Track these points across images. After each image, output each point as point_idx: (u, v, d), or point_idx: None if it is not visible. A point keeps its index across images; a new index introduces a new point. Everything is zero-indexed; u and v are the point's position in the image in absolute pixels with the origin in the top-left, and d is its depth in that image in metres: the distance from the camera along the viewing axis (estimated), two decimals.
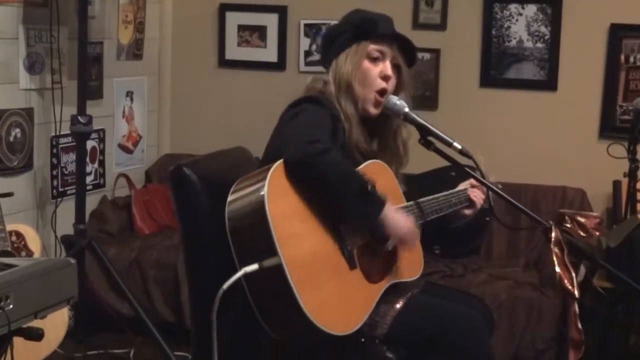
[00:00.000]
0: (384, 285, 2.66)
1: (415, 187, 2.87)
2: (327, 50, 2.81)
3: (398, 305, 2.67)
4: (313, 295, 2.38)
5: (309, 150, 2.42)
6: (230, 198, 2.49)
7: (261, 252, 2.35)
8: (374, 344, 2.60)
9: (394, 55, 2.77)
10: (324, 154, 2.42)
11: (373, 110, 2.76)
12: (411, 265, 2.81)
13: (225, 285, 2.30)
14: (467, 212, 2.97)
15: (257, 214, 2.38)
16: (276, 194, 2.40)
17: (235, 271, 2.35)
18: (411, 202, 2.79)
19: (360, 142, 2.72)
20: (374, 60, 2.74)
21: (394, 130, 2.82)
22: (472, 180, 2.93)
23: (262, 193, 2.39)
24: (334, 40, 2.78)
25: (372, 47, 2.74)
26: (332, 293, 2.47)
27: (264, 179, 2.41)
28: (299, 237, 2.43)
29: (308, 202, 2.47)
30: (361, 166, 2.66)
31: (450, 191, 2.93)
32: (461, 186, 2.98)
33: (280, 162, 2.45)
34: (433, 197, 2.85)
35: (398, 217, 2.57)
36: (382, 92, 2.75)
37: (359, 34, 2.75)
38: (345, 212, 2.51)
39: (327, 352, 2.50)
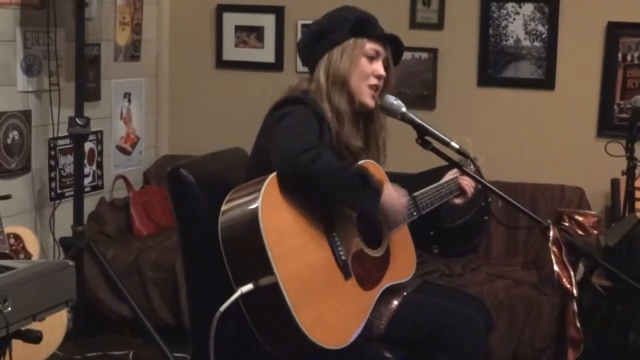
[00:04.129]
0: (378, 290, 2.67)
1: (413, 187, 2.87)
2: (315, 46, 2.76)
3: (394, 305, 2.67)
4: (309, 311, 2.39)
5: (301, 161, 2.40)
6: (224, 208, 2.48)
7: (256, 269, 2.36)
8: (371, 344, 2.60)
9: (386, 56, 2.78)
10: (315, 161, 2.41)
11: (371, 102, 2.76)
12: (404, 267, 2.82)
13: (222, 308, 2.33)
14: (458, 201, 2.97)
15: (251, 230, 2.37)
16: (270, 208, 2.39)
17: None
18: (408, 197, 2.79)
19: (352, 138, 2.71)
20: (370, 58, 2.74)
21: (380, 125, 2.83)
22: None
23: (256, 208, 2.37)
24: (324, 36, 2.74)
25: (369, 46, 2.74)
26: (328, 307, 2.47)
27: (258, 193, 2.40)
28: (293, 252, 2.42)
29: (302, 213, 2.47)
30: (353, 167, 2.66)
31: (440, 182, 2.93)
32: (449, 175, 2.98)
33: (274, 175, 2.44)
34: (425, 191, 2.85)
35: (395, 200, 2.61)
36: (375, 88, 2.76)
37: (357, 30, 2.73)
38: (351, 204, 2.56)
39: (326, 356, 2.49)
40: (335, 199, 2.54)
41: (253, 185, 2.47)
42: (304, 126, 2.54)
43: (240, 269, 2.41)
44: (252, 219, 2.37)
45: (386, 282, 2.70)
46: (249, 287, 2.35)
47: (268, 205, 2.39)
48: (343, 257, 2.54)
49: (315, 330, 2.38)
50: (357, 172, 2.55)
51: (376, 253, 2.69)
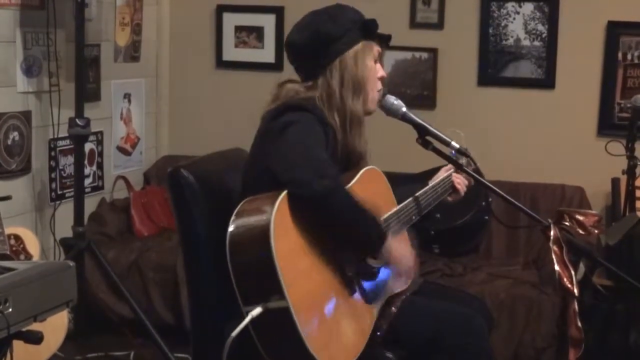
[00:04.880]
0: (381, 303, 2.66)
1: (413, 187, 2.87)
2: (320, 51, 2.67)
3: (394, 308, 2.67)
4: (318, 334, 2.37)
5: (318, 189, 2.35)
6: (233, 220, 2.41)
7: (266, 290, 2.32)
8: (373, 346, 2.60)
9: (381, 55, 2.77)
10: (334, 192, 2.38)
11: (374, 109, 2.76)
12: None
13: (234, 333, 2.29)
14: (451, 199, 2.96)
15: (262, 251, 2.31)
16: (282, 229, 2.35)
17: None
18: (410, 199, 2.78)
19: (361, 145, 2.70)
20: (375, 60, 2.73)
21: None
22: (451, 165, 2.93)
23: (268, 228, 2.32)
24: (332, 40, 2.66)
25: (376, 48, 2.72)
26: (335, 327, 2.45)
27: (270, 212, 2.34)
28: (303, 274, 2.39)
29: (311, 233, 2.43)
30: (357, 175, 2.64)
31: (436, 182, 2.92)
32: (443, 173, 2.96)
33: (284, 194, 2.39)
34: (424, 191, 2.84)
35: (401, 251, 2.57)
36: (380, 92, 2.75)
37: (367, 33, 2.69)
38: (351, 244, 2.52)
39: None
40: (339, 234, 2.49)
41: (265, 199, 2.41)
42: (313, 140, 2.48)
43: (248, 287, 2.37)
44: (264, 239, 2.32)
45: (388, 293, 2.70)
46: (258, 310, 2.31)
47: (280, 225, 2.34)
48: (349, 273, 2.53)
49: (324, 352, 2.36)
50: (370, 215, 2.48)
51: (378, 263, 2.69)
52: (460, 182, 2.96)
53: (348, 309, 2.52)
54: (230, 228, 2.40)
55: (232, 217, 2.42)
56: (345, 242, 2.50)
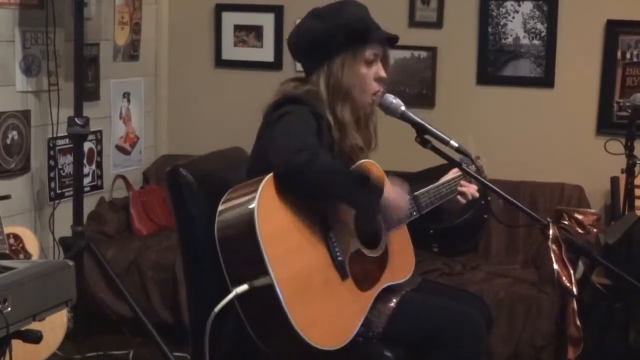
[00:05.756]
0: (375, 291, 2.67)
1: (414, 186, 2.86)
2: (311, 53, 2.71)
3: (392, 304, 2.67)
4: (304, 312, 2.39)
5: (297, 161, 2.38)
6: (220, 208, 2.47)
7: (252, 270, 2.35)
8: (371, 343, 2.60)
9: (384, 54, 2.75)
10: (311, 161, 2.39)
11: (369, 110, 2.76)
12: (403, 267, 2.81)
13: (217, 308, 2.32)
14: (461, 199, 2.93)
15: (247, 231, 2.36)
16: (267, 210, 2.39)
17: None
18: (409, 197, 2.78)
19: (357, 144, 2.71)
20: (369, 63, 2.72)
21: (371, 111, 2.80)
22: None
23: (252, 209, 2.37)
24: (321, 45, 2.68)
25: (369, 52, 2.70)
26: (324, 308, 2.47)
27: (255, 193, 2.39)
28: (289, 254, 2.42)
29: (299, 214, 2.46)
30: (354, 167, 2.65)
31: (440, 182, 2.91)
32: (450, 174, 2.96)
33: (270, 175, 2.44)
34: (426, 190, 2.84)
35: (396, 200, 2.58)
36: (376, 93, 2.74)
37: (356, 38, 2.68)
38: (347, 206, 2.54)
39: (325, 356, 2.49)
40: (334, 198, 2.53)
41: (250, 185, 2.46)
42: (303, 125, 2.52)
43: (236, 269, 2.41)
44: (248, 220, 2.37)
45: (384, 283, 2.70)
46: (244, 287, 2.34)
47: (264, 207, 2.38)
48: (340, 258, 2.54)
49: (311, 331, 2.38)
50: (357, 171, 2.54)
51: (374, 253, 2.69)
52: (466, 191, 2.93)
53: (339, 293, 2.53)
54: (219, 212, 2.46)
55: (221, 202, 2.47)
56: (344, 202, 2.53)
